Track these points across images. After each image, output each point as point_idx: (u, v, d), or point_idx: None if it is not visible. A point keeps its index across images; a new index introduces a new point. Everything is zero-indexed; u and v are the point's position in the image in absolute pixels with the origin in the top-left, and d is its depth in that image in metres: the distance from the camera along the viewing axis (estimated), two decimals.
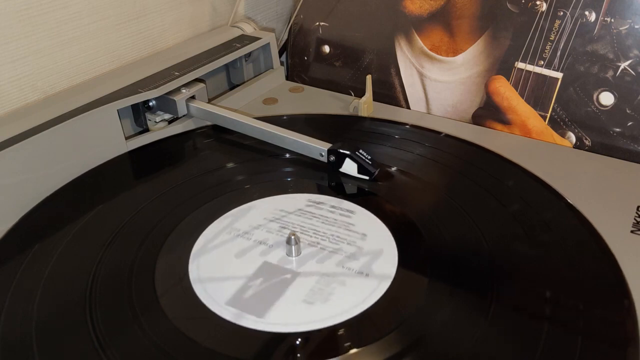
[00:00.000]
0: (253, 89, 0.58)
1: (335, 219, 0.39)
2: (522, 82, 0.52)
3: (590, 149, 0.50)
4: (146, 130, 0.50)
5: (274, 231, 0.38)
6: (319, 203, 0.40)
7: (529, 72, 0.52)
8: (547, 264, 0.34)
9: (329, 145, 0.44)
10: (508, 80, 0.53)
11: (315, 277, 0.34)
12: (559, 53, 0.50)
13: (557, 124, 0.51)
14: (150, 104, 0.49)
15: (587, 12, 0.49)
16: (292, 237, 0.35)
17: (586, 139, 0.50)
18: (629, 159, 0.46)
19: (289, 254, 0.35)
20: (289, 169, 0.45)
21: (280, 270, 0.34)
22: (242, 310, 0.31)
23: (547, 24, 0.50)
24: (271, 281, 0.33)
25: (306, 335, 0.30)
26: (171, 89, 0.49)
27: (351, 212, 0.39)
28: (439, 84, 0.56)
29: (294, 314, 0.31)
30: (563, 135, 0.51)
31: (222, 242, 0.37)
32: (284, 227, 0.38)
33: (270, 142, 0.47)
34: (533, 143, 0.48)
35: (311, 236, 0.37)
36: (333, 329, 0.30)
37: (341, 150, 0.43)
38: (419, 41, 0.56)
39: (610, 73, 0.48)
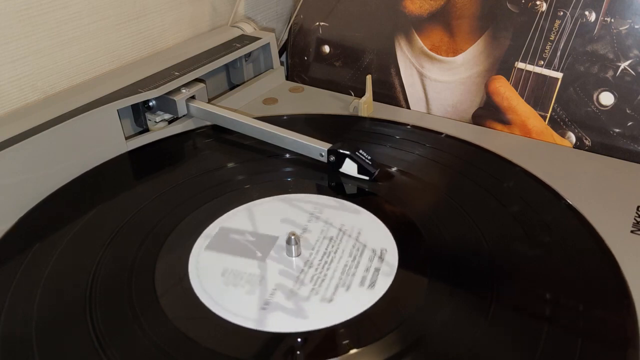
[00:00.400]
0: (253, 89, 0.58)
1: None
2: (522, 82, 0.52)
3: (590, 149, 0.50)
4: (146, 130, 0.50)
5: (273, 231, 0.38)
6: (316, 203, 0.40)
7: (529, 72, 0.52)
8: (547, 264, 0.34)
9: (329, 145, 0.44)
10: (508, 80, 0.53)
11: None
12: (559, 53, 0.50)
13: (557, 124, 0.51)
14: (150, 104, 0.49)
15: (587, 12, 0.49)
16: (292, 237, 0.35)
17: (586, 139, 0.50)
18: (629, 159, 0.46)
19: (289, 254, 0.35)
20: (289, 169, 0.45)
21: (301, 271, 0.34)
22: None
23: (547, 24, 0.50)
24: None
25: (306, 336, 0.30)
26: (171, 89, 0.49)
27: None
28: (439, 84, 0.56)
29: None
30: (563, 135, 0.51)
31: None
32: (283, 227, 0.38)
33: (270, 142, 0.47)
34: (533, 143, 0.48)
35: (310, 237, 0.37)
36: (333, 329, 0.30)
37: (341, 151, 0.43)
38: (419, 41, 0.56)
39: (610, 73, 0.48)
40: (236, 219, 0.39)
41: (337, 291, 0.33)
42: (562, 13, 0.49)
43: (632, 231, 0.37)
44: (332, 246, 0.36)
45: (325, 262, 0.35)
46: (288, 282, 0.33)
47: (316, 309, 0.31)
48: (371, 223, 0.38)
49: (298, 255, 0.35)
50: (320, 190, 0.42)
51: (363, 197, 0.41)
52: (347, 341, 0.30)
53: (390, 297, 0.32)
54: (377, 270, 0.34)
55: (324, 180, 0.43)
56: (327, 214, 0.39)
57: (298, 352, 0.29)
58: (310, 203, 0.40)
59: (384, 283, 0.33)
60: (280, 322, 0.31)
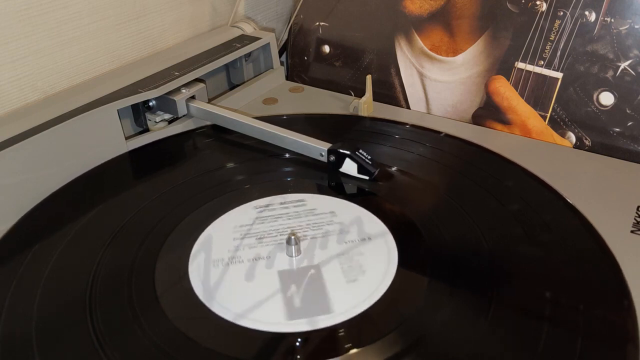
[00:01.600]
0: (253, 89, 0.58)
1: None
2: (522, 82, 0.52)
3: (590, 149, 0.50)
4: (146, 130, 0.50)
5: (274, 232, 0.38)
6: (299, 201, 0.40)
7: (529, 72, 0.52)
8: (547, 264, 0.34)
9: (329, 145, 0.44)
10: (508, 80, 0.53)
11: (335, 260, 0.35)
12: (559, 53, 0.50)
13: (557, 124, 0.51)
14: (150, 104, 0.49)
15: (587, 12, 0.49)
16: (292, 237, 0.35)
17: (586, 139, 0.50)
18: (629, 159, 0.46)
19: (290, 254, 0.35)
20: (289, 169, 0.45)
21: (301, 270, 0.34)
22: (308, 316, 0.31)
23: (547, 24, 0.50)
24: (305, 282, 0.34)
25: (306, 336, 0.30)
26: (171, 89, 0.49)
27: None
28: (439, 84, 0.56)
29: (350, 296, 0.32)
30: (563, 135, 0.51)
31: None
32: (277, 230, 0.38)
33: (270, 142, 0.47)
34: (533, 143, 0.48)
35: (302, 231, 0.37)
36: (333, 329, 0.30)
37: (341, 150, 0.43)
38: (419, 41, 0.56)
39: (610, 73, 0.48)
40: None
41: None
42: (562, 13, 0.49)
43: (632, 231, 0.37)
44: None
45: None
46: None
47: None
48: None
49: (299, 254, 0.35)
50: (320, 190, 0.42)
51: (363, 197, 0.41)
52: (347, 342, 0.30)
53: (390, 297, 0.32)
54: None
55: (324, 180, 0.43)
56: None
57: (298, 353, 0.29)
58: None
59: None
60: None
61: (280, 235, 0.37)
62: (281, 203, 0.40)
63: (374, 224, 0.38)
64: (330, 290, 0.33)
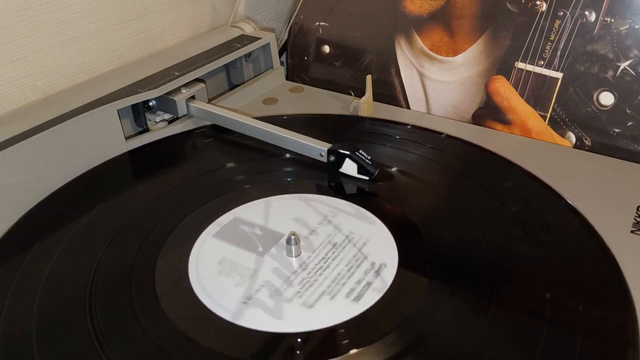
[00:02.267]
0: (253, 89, 0.58)
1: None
2: (522, 82, 0.52)
3: (590, 149, 0.50)
4: (146, 130, 0.50)
5: (281, 228, 0.38)
6: (332, 207, 0.40)
7: (529, 72, 0.52)
8: (547, 264, 0.34)
9: (328, 145, 0.44)
10: (508, 80, 0.53)
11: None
12: (559, 53, 0.50)
13: (557, 124, 0.51)
14: (150, 104, 0.49)
15: (587, 12, 0.49)
16: (292, 237, 0.35)
17: (586, 139, 0.50)
18: (629, 159, 0.46)
19: (289, 253, 0.35)
20: (289, 169, 0.45)
21: (300, 270, 0.34)
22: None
23: (547, 24, 0.50)
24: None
25: (306, 336, 0.30)
26: (171, 89, 0.49)
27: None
28: (439, 84, 0.56)
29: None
30: (563, 135, 0.51)
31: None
32: (292, 226, 0.38)
33: (270, 142, 0.47)
34: (533, 143, 0.48)
35: (316, 239, 0.37)
36: (333, 329, 0.30)
37: (341, 151, 0.43)
38: (419, 41, 0.56)
39: (610, 73, 0.48)
40: (252, 211, 0.39)
41: (321, 298, 0.32)
42: (562, 13, 0.49)
43: (632, 231, 0.37)
44: (333, 252, 0.36)
45: (321, 268, 0.34)
46: (277, 281, 0.33)
47: (294, 313, 0.31)
48: (381, 235, 0.37)
49: (297, 255, 0.35)
50: (320, 190, 0.42)
51: (363, 197, 0.41)
52: (347, 341, 0.30)
53: (391, 297, 0.32)
54: (368, 284, 0.33)
55: (324, 180, 0.43)
56: (340, 219, 0.39)
57: (298, 353, 0.29)
58: (326, 205, 0.40)
59: (370, 298, 0.32)
60: (256, 319, 0.31)
61: (281, 235, 0.37)
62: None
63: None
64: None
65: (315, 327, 0.30)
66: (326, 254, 0.35)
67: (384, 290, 0.33)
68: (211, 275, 0.34)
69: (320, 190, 0.42)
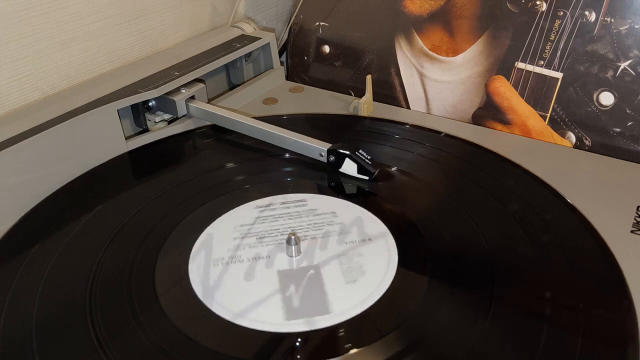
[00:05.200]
0: (253, 89, 0.58)
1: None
2: (522, 82, 0.52)
3: (590, 149, 0.50)
4: (146, 130, 0.50)
5: (272, 233, 0.38)
6: (300, 201, 0.40)
7: (529, 72, 0.52)
8: (547, 264, 0.34)
9: (328, 145, 0.44)
10: (508, 80, 0.53)
11: (335, 260, 0.35)
12: (559, 53, 0.50)
13: (557, 124, 0.51)
14: (150, 104, 0.49)
15: (587, 12, 0.49)
16: (292, 237, 0.35)
17: (586, 139, 0.50)
18: (629, 159, 0.46)
19: (290, 254, 0.35)
20: (288, 169, 0.45)
21: (301, 270, 0.34)
22: (308, 316, 0.31)
23: (547, 24, 0.50)
24: (304, 282, 0.33)
25: (305, 336, 0.30)
26: (171, 89, 0.49)
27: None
28: (439, 84, 0.56)
29: (350, 296, 0.32)
30: (563, 135, 0.51)
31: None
32: (278, 229, 0.38)
33: (270, 142, 0.47)
34: (533, 143, 0.48)
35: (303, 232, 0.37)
36: (333, 329, 0.30)
37: (341, 151, 0.43)
38: (419, 41, 0.56)
39: (610, 73, 0.48)
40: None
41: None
42: (562, 13, 0.49)
43: (632, 231, 0.37)
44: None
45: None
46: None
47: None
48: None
49: (299, 254, 0.35)
50: (320, 190, 0.42)
51: (363, 197, 0.41)
52: (347, 342, 0.30)
53: (390, 297, 0.32)
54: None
55: (324, 180, 0.43)
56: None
57: (298, 353, 0.29)
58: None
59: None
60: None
61: (281, 235, 0.37)
62: (282, 203, 0.40)
63: (374, 224, 0.38)
64: (330, 291, 0.33)
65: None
66: (326, 251, 0.36)
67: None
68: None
69: (320, 190, 0.42)
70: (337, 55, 0.62)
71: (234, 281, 0.34)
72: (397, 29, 0.58)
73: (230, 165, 0.45)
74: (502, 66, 0.53)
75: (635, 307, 0.31)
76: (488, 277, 0.33)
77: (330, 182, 0.43)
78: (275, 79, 0.61)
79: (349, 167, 0.43)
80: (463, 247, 0.36)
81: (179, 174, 0.44)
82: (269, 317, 0.31)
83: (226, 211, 0.40)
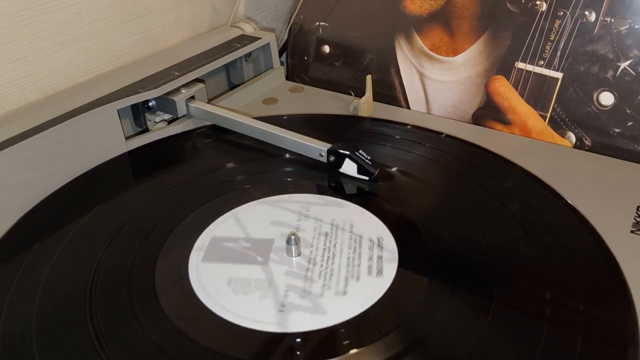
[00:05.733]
0: (253, 89, 0.58)
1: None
2: (522, 82, 0.52)
3: (590, 149, 0.50)
4: (146, 130, 0.50)
5: (266, 235, 0.38)
6: (302, 202, 0.40)
7: (529, 72, 0.52)
8: (547, 264, 0.34)
9: (328, 145, 0.44)
10: (508, 80, 0.53)
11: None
12: (559, 53, 0.50)
13: (557, 124, 0.51)
14: (150, 104, 0.49)
15: (587, 12, 0.49)
16: (292, 237, 0.35)
17: (586, 139, 0.50)
18: (629, 159, 0.46)
19: (290, 254, 0.35)
20: (288, 169, 0.45)
21: (300, 270, 0.34)
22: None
23: (547, 24, 0.50)
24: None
25: (306, 336, 0.30)
26: (171, 89, 0.49)
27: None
28: (439, 84, 0.56)
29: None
30: (563, 135, 0.51)
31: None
32: (275, 229, 0.38)
33: (270, 142, 0.47)
34: (533, 143, 0.48)
35: (305, 235, 0.37)
36: (333, 329, 0.30)
37: (341, 151, 0.43)
38: (419, 41, 0.56)
39: (610, 73, 0.48)
40: (225, 227, 0.38)
41: (348, 283, 0.33)
42: (562, 13, 0.49)
43: (632, 231, 0.37)
44: (330, 241, 0.36)
45: (328, 257, 0.35)
46: (298, 282, 0.33)
47: (332, 303, 0.32)
48: (360, 215, 0.39)
49: (299, 254, 0.35)
50: (320, 190, 0.42)
51: (363, 197, 0.41)
52: (347, 341, 0.30)
53: (390, 297, 0.32)
54: (380, 257, 0.35)
55: (324, 180, 0.43)
56: (315, 211, 0.39)
57: (298, 353, 0.29)
58: (295, 203, 0.40)
59: (391, 269, 0.34)
60: (302, 321, 0.31)
61: (281, 235, 0.37)
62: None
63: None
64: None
65: (359, 310, 0.31)
66: (325, 244, 0.36)
67: (397, 259, 0.35)
68: (226, 294, 0.33)
69: (320, 190, 0.42)
70: (337, 55, 0.62)
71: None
72: (397, 29, 0.58)
73: (230, 165, 0.45)
74: (502, 66, 0.53)
75: (635, 307, 0.31)
76: (488, 277, 0.33)
77: (330, 182, 0.43)
78: (275, 79, 0.61)
79: (349, 168, 0.43)
80: (463, 247, 0.36)
81: (179, 174, 0.44)
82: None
83: (226, 211, 0.39)
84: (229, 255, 0.36)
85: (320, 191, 0.42)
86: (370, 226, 0.38)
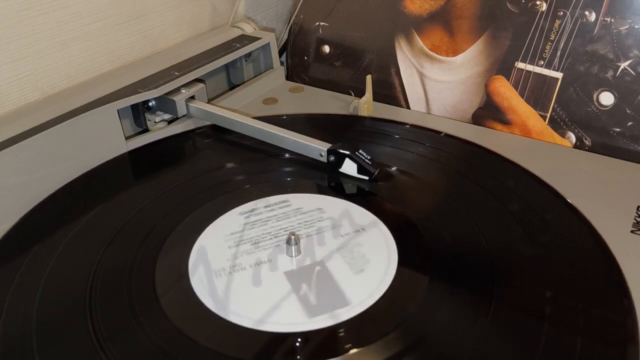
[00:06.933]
0: (253, 89, 0.58)
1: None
2: (522, 82, 0.52)
3: (590, 149, 0.50)
4: (146, 130, 0.50)
5: (273, 233, 0.38)
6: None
7: (529, 72, 0.52)
8: (547, 264, 0.34)
9: (328, 145, 0.44)
10: (508, 80, 0.53)
11: (338, 254, 0.35)
12: (559, 53, 0.50)
13: (557, 124, 0.51)
14: (150, 104, 0.49)
15: (587, 12, 0.49)
16: (292, 237, 0.35)
17: (586, 139, 0.50)
18: (629, 159, 0.46)
19: (290, 254, 0.35)
20: (288, 169, 0.45)
21: (306, 268, 0.34)
22: (327, 311, 0.31)
23: (547, 24, 0.50)
24: (313, 279, 0.34)
25: (306, 335, 0.30)
26: (171, 89, 0.49)
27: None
28: (439, 84, 0.56)
29: (365, 285, 0.33)
30: (563, 135, 0.51)
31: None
32: (273, 230, 0.38)
33: (270, 142, 0.47)
34: (533, 143, 0.48)
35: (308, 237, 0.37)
36: (333, 329, 0.30)
37: (341, 151, 0.43)
38: (419, 41, 0.56)
39: (610, 73, 0.48)
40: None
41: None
42: (562, 13, 0.49)
43: (632, 231, 0.37)
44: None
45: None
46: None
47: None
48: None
49: (299, 254, 0.35)
50: (320, 190, 0.42)
51: (363, 197, 0.41)
52: (347, 342, 0.30)
53: (390, 297, 0.32)
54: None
55: (324, 180, 0.43)
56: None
57: (298, 353, 0.29)
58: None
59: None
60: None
61: (276, 237, 0.37)
62: (265, 206, 0.40)
63: (374, 224, 0.38)
64: (342, 284, 0.33)
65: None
66: (324, 248, 0.36)
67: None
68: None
69: (320, 190, 0.42)
70: (337, 55, 0.62)
71: (235, 282, 0.33)
72: (397, 29, 0.58)
73: (230, 165, 0.45)
74: (502, 66, 0.53)
75: (635, 307, 0.31)
76: (488, 277, 0.33)
77: (330, 182, 0.43)
78: (275, 79, 0.61)
79: (349, 167, 0.43)
80: (463, 247, 0.36)
81: (178, 174, 0.44)
82: (269, 317, 0.31)
83: (227, 211, 0.40)
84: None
85: (320, 191, 0.42)
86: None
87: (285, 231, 0.37)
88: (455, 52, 0.55)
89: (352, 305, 0.31)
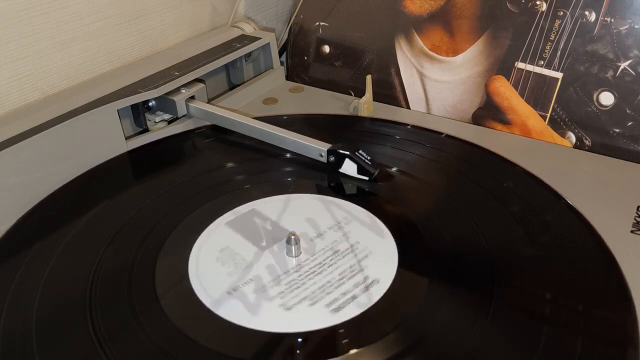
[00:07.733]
0: (253, 89, 0.58)
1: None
2: (522, 82, 0.52)
3: (590, 149, 0.50)
4: (146, 130, 0.50)
5: (290, 226, 0.38)
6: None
7: (529, 72, 0.52)
8: (547, 264, 0.34)
9: (328, 145, 0.44)
10: (508, 80, 0.53)
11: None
12: (559, 53, 0.50)
13: (557, 124, 0.51)
14: (150, 104, 0.49)
15: (587, 12, 0.49)
16: (292, 237, 0.35)
17: (586, 139, 0.50)
18: (629, 159, 0.46)
19: (289, 254, 0.35)
20: (288, 169, 0.45)
21: (277, 268, 0.34)
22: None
23: (547, 24, 0.50)
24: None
25: (306, 335, 0.30)
26: (171, 89, 0.49)
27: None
28: (439, 84, 0.56)
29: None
30: (563, 135, 0.51)
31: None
32: (301, 226, 0.38)
33: (270, 142, 0.47)
34: (533, 143, 0.48)
35: (320, 243, 0.37)
36: (333, 329, 0.30)
37: (341, 151, 0.43)
38: (419, 41, 0.56)
39: (610, 73, 0.48)
40: (270, 205, 0.40)
41: (301, 303, 0.32)
42: (562, 13, 0.49)
43: (632, 231, 0.37)
44: (332, 259, 0.35)
45: (313, 272, 0.34)
46: (267, 278, 0.34)
47: (271, 312, 0.31)
48: (387, 251, 0.36)
49: (296, 256, 0.35)
50: (319, 190, 0.42)
51: (363, 197, 0.41)
52: (347, 342, 0.30)
53: (390, 297, 0.32)
54: (353, 297, 0.32)
55: (324, 180, 0.43)
56: (352, 227, 0.38)
57: (298, 353, 0.29)
58: (343, 211, 0.39)
59: (350, 312, 0.31)
60: (233, 311, 0.31)
61: (287, 232, 0.37)
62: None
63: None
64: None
65: (286, 329, 0.30)
66: (324, 260, 0.35)
67: (367, 307, 0.32)
68: (209, 262, 0.34)
69: (319, 191, 0.42)
70: (337, 55, 0.62)
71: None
72: (397, 29, 0.58)
73: (230, 165, 0.45)
74: (502, 66, 0.53)
75: (635, 307, 0.31)
76: (488, 277, 0.33)
77: (330, 182, 0.43)
78: (275, 79, 0.61)
79: (349, 168, 0.43)
80: (463, 247, 0.36)
81: (178, 174, 0.44)
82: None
83: (226, 211, 0.39)
84: (247, 228, 0.37)
85: (320, 191, 0.42)
86: (382, 265, 0.34)
87: (285, 231, 0.37)
88: (455, 52, 0.55)
89: (336, 313, 0.31)
